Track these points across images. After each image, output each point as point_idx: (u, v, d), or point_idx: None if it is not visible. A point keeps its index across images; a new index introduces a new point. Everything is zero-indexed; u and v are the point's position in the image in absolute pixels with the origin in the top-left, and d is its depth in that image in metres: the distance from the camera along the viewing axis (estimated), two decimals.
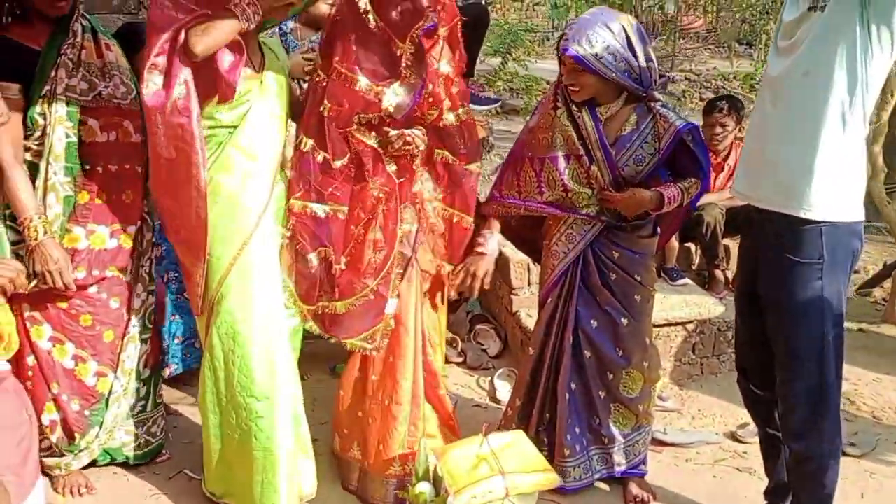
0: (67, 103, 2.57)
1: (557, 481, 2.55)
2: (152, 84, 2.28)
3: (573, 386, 2.85)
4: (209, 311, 2.52)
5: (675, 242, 4.12)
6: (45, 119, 2.55)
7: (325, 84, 2.53)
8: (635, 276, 2.76)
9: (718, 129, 4.12)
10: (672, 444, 3.30)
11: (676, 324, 3.77)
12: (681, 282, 4.01)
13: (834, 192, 2.24)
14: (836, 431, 2.42)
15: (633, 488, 2.93)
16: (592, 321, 2.79)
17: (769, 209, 2.35)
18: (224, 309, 2.49)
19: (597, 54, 2.50)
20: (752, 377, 2.62)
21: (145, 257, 2.86)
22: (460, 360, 3.99)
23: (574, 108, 2.68)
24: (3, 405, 1.70)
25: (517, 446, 2.57)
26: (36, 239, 2.48)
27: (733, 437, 3.40)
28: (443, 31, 2.56)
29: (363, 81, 2.50)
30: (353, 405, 2.84)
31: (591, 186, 2.70)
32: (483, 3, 4.85)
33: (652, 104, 2.64)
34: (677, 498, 2.97)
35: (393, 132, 2.59)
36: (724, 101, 4.20)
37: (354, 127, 2.56)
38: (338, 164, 2.58)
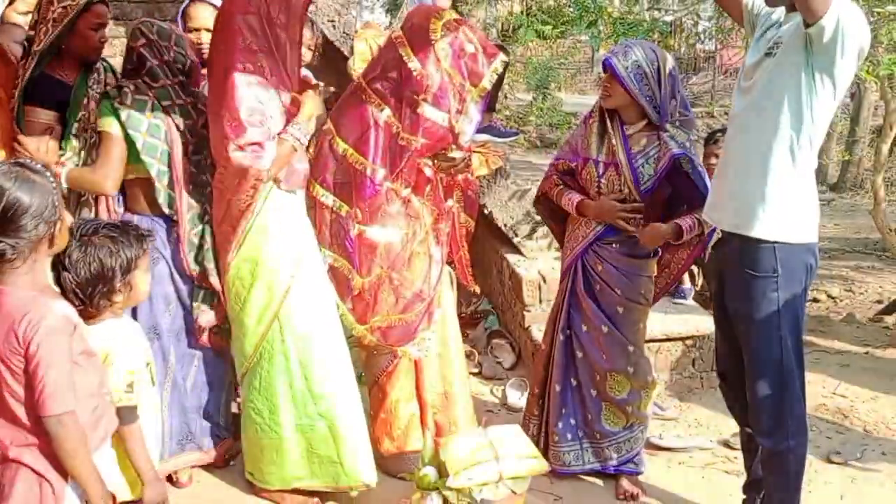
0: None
1: (547, 468, 2.85)
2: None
3: (573, 382, 3.20)
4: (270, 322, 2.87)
5: None
6: (81, 144, 3.01)
7: (389, 120, 2.94)
8: (616, 290, 3.09)
9: (714, 160, 4.38)
10: (667, 449, 3.57)
11: (676, 339, 4.05)
12: (679, 300, 4.28)
13: (785, 216, 2.52)
14: (801, 429, 2.65)
15: (624, 483, 3.22)
16: (583, 325, 3.16)
17: (730, 231, 2.65)
18: (292, 318, 2.86)
19: (627, 68, 2.88)
20: (731, 381, 2.89)
21: None
22: (477, 370, 4.31)
23: (608, 121, 3.06)
24: (88, 376, 1.98)
25: (512, 437, 2.86)
26: None
27: (726, 444, 3.64)
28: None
29: (444, 117, 2.94)
30: (405, 404, 3.22)
31: (621, 193, 3.05)
32: (502, 44, 5.22)
33: (662, 133, 2.99)
34: (666, 495, 3.23)
35: (458, 155, 3.05)
36: (720, 133, 4.46)
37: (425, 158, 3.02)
38: (405, 192, 3.02)
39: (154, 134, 2.88)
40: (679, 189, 3.07)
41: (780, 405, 2.61)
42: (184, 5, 3.34)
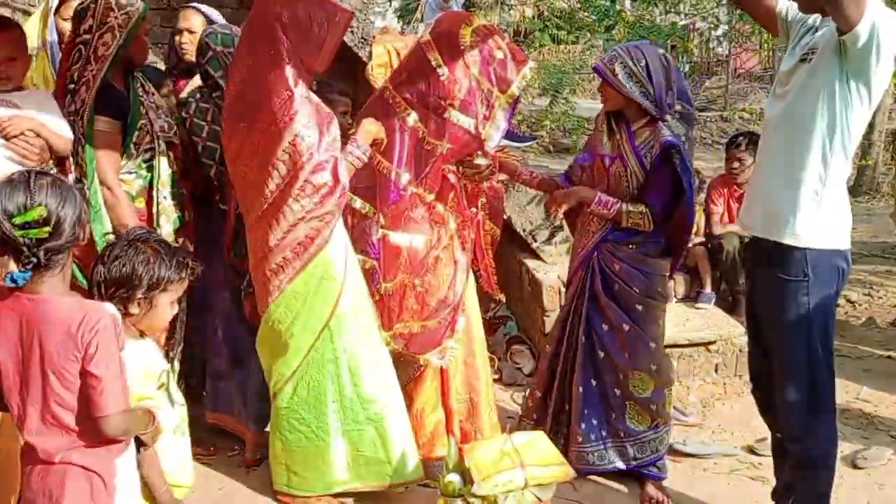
0: (162, 140, 3.05)
1: (572, 474, 2.83)
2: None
3: (593, 382, 3.23)
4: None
5: (708, 268, 4.36)
6: (147, 153, 3.02)
7: (416, 125, 2.95)
8: (634, 289, 3.12)
9: (736, 164, 4.38)
10: (691, 455, 3.54)
11: (699, 344, 4.02)
12: (701, 304, 4.26)
13: (816, 223, 2.50)
14: (831, 435, 2.64)
15: (650, 489, 3.20)
16: (603, 325, 3.19)
17: (762, 236, 2.63)
18: (343, 326, 2.89)
19: (614, 71, 2.98)
20: (762, 385, 2.86)
21: None
22: (496, 377, 4.29)
23: (612, 120, 3.14)
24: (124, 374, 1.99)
25: (537, 443, 2.84)
26: None
27: (751, 450, 3.61)
28: None
29: (471, 122, 2.95)
30: (431, 411, 3.21)
31: (628, 184, 3.11)
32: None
33: (660, 123, 3.04)
34: (692, 501, 3.20)
35: (483, 162, 3.07)
36: (742, 137, 4.46)
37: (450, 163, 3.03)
38: (430, 197, 3.02)
39: (214, 139, 3.11)
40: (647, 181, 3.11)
41: (811, 410, 2.58)
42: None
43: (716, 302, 4.37)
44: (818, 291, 2.53)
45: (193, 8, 3.62)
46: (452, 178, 3.06)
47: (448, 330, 3.09)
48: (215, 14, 3.65)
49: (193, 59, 3.52)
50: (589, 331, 3.21)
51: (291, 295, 2.83)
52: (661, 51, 3.13)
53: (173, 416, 2.31)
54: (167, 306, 2.22)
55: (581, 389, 3.23)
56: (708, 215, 4.52)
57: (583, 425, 3.23)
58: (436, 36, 2.96)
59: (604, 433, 3.23)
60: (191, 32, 3.54)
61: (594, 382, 3.22)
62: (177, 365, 3.29)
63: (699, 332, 4.03)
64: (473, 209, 3.23)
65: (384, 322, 3.05)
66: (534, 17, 10.15)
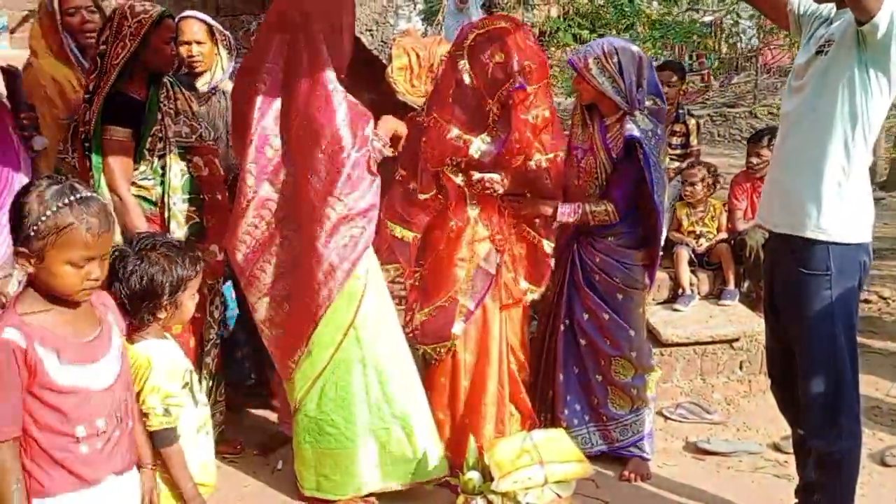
0: (177, 145, 3.09)
1: (591, 471, 2.84)
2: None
3: (575, 369, 3.35)
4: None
5: (732, 264, 4.33)
6: (160, 159, 3.06)
7: (424, 127, 3.05)
8: (614, 278, 3.25)
9: (754, 159, 4.35)
10: (715, 453, 3.52)
11: (722, 341, 3.99)
12: (725, 301, 4.22)
13: (840, 216, 2.48)
14: (855, 430, 2.60)
15: (630, 466, 3.32)
16: (584, 314, 3.30)
17: (784, 232, 2.61)
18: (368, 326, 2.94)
19: (587, 66, 3.08)
20: (782, 382, 2.84)
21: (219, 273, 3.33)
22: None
23: (587, 114, 3.25)
24: (47, 410, 1.81)
25: (557, 441, 2.86)
26: None
27: (776, 447, 3.58)
28: (532, 88, 3.00)
29: (454, 131, 3.00)
30: (437, 409, 3.21)
31: (597, 176, 3.22)
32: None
33: (626, 118, 3.10)
34: (716, 499, 3.18)
35: (475, 176, 3.07)
36: (764, 133, 4.44)
37: (447, 167, 3.06)
38: (423, 196, 3.07)
39: None
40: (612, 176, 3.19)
41: (834, 405, 2.56)
42: (176, 19, 3.36)
43: (740, 298, 4.32)
44: (841, 285, 2.51)
45: (192, 17, 3.56)
46: (460, 182, 3.11)
47: (447, 326, 3.12)
48: (210, 20, 3.63)
49: (205, 69, 3.57)
50: (570, 319, 3.32)
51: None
52: (636, 48, 3.21)
53: (197, 416, 2.36)
54: (190, 300, 2.30)
55: (562, 376, 3.35)
56: (731, 211, 4.48)
57: (566, 411, 3.35)
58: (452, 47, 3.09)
59: (587, 418, 3.35)
60: (199, 44, 3.53)
61: (576, 369, 3.34)
62: (210, 363, 3.31)
63: (723, 329, 4.00)
64: (472, 210, 3.18)
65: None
66: (558, 17, 10.12)
